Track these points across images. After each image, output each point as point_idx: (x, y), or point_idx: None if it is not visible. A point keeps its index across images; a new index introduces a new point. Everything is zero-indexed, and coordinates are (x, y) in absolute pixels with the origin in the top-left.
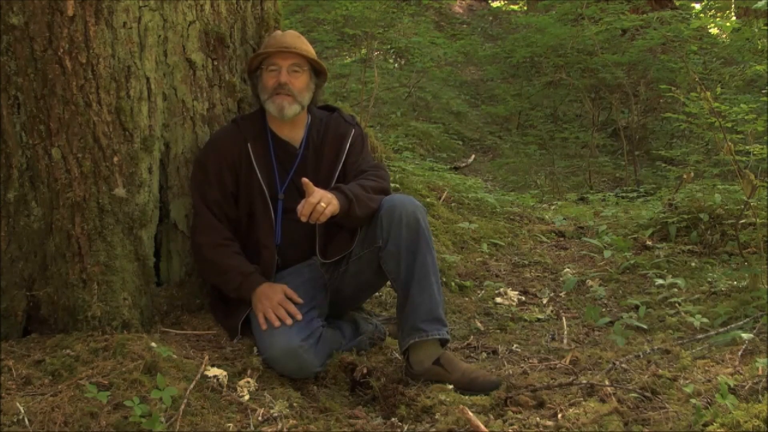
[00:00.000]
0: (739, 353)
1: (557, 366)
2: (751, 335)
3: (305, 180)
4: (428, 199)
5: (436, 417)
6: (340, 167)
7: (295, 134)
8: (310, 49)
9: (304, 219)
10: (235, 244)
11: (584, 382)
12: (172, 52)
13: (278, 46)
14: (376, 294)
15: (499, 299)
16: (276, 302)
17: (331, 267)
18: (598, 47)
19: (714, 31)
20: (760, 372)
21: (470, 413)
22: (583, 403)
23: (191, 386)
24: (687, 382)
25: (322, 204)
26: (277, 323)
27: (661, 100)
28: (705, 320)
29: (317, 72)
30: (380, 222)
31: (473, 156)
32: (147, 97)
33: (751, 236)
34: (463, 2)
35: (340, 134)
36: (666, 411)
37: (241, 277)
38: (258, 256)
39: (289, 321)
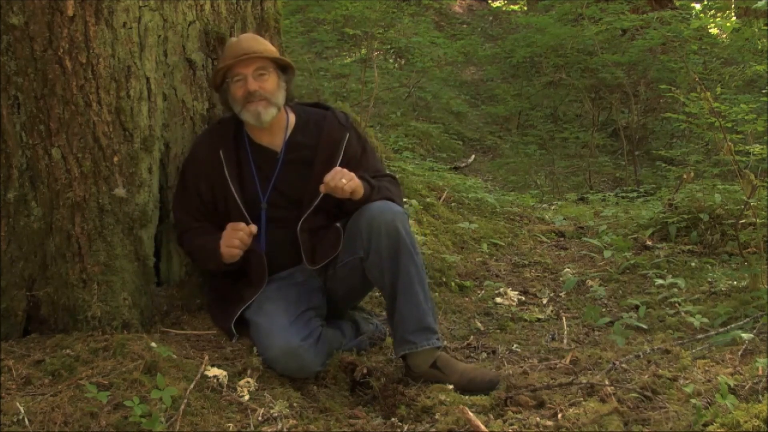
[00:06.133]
0: (739, 353)
1: (557, 366)
2: (751, 335)
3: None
4: (428, 199)
5: (436, 417)
6: None
7: (274, 139)
8: (269, 48)
9: (323, 189)
10: (206, 225)
11: (584, 382)
12: (172, 52)
13: (236, 55)
14: (376, 294)
15: (499, 299)
16: (230, 231)
17: (322, 270)
18: (598, 47)
19: (714, 31)
20: (760, 372)
21: (470, 413)
22: (583, 403)
23: (191, 386)
24: (687, 382)
25: (344, 180)
26: (237, 244)
27: (661, 100)
28: (705, 320)
29: (284, 68)
30: (360, 233)
31: (473, 156)
32: (147, 97)
33: (751, 236)
34: (463, 2)
35: (334, 139)
36: (666, 411)
37: (210, 246)
38: (247, 263)
39: (247, 238)
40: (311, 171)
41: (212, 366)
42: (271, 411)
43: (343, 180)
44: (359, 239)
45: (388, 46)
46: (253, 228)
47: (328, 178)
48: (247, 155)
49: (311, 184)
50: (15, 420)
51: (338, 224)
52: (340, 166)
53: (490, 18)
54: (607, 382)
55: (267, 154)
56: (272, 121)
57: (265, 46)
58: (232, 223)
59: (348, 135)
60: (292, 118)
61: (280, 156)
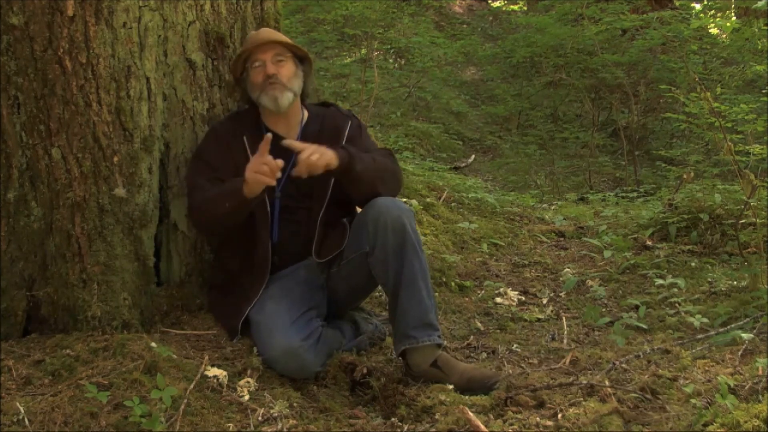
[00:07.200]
0: (739, 353)
1: (557, 366)
2: (751, 335)
3: (288, 142)
4: (428, 199)
5: (436, 417)
6: None
7: (290, 130)
8: (287, 39)
9: (304, 175)
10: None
11: (584, 382)
12: (172, 52)
13: (256, 42)
14: (376, 294)
15: (499, 299)
16: (253, 161)
17: (325, 267)
18: (598, 47)
19: (714, 31)
20: (760, 372)
21: (470, 413)
22: (583, 403)
23: (191, 386)
24: (687, 382)
25: (314, 156)
26: (270, 176)
27: (661, 100)
28: (705, 320)
29: (301, 59)
30: (366, 227)
31: (473, 156)
32: (147, 97)
33: (751, 236)
34: (463, 2)
35: (336, 126)
36: (666, 411)
37: (229, 183)
38: (253, 251)
39: (277, 173)
40: None
41: (212, 366)
42: (271, 411)
43: (314, 156)
44: (365, 234)
45: (388, 46)
46: (280, 162)
47: (302, 156)
48: None
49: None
50: (15, 420)
51: (345, 220)
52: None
53: (490, 18)
54: (607, 382)
55: (283, 144)
56: (290, 110)
57: (284, 37)
58: (257, 154)
59: (350, 122)
60: (306, 113)
61: None
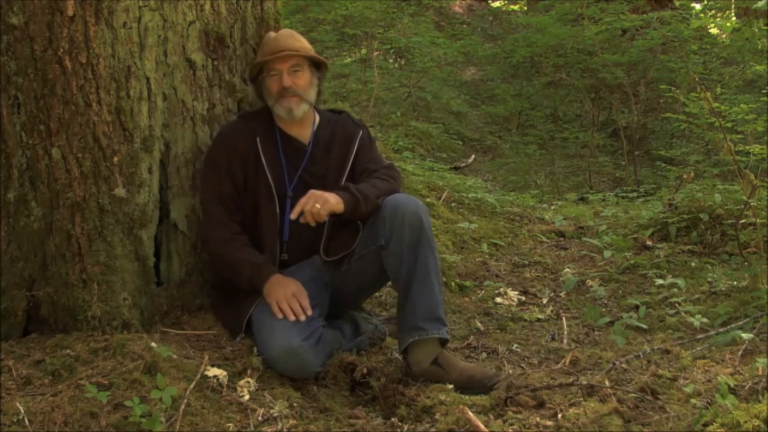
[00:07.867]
0: (739, 353)
1: (557, 366)
2: (751, 335)
3: (292, 214)
4: (428, 199)
5: (436, 417)
6: (348, 168)
7: (303, 132)
8: (305, 46)
9: (311, 223)
10: (244, 236)
11: (584, 382)
12: (172, 52)
13: (274, 51)
14: (376, 294)
15: (499, 299)
16: (290, 293)
17: (333, 266)
18: (598, 47)
19: (714, 31)
20: (760, 372)
21: (470, 413)
22: (583, 403)
23: (191, 386)
24: (687, 382)
25: (317, 205)
26: (291, 316)
27: (661, 100)
28: (705, 320)
29: (317, 65)
30: (383, 221)
31: (473, 156)
32: (147, 97)
33: (751, 236)
34: (463, 2)
35: (348, 135)
36: (666, 411)
37: (252, 268)
38: (260, 252)
39: (302, 317)
40: (329, 163)
41: (212, 366)
42: (271, 411)
43: (317, 205)
44: (381, 228)
45: (388, 46)
46: (309, 312)
47: (307, 206)
48: (277, 145)
49: (329, 176)
50: (15, 420)
51: (359, 222)
52: (353, 159)
53: (490, 18)
54: (607, 382)
55: (296, 145)
56: (304, 116)
57: (302, 43)
58: (297, 289)
59: (361, 132)
60: (318, 117)
61: (308, 148)
